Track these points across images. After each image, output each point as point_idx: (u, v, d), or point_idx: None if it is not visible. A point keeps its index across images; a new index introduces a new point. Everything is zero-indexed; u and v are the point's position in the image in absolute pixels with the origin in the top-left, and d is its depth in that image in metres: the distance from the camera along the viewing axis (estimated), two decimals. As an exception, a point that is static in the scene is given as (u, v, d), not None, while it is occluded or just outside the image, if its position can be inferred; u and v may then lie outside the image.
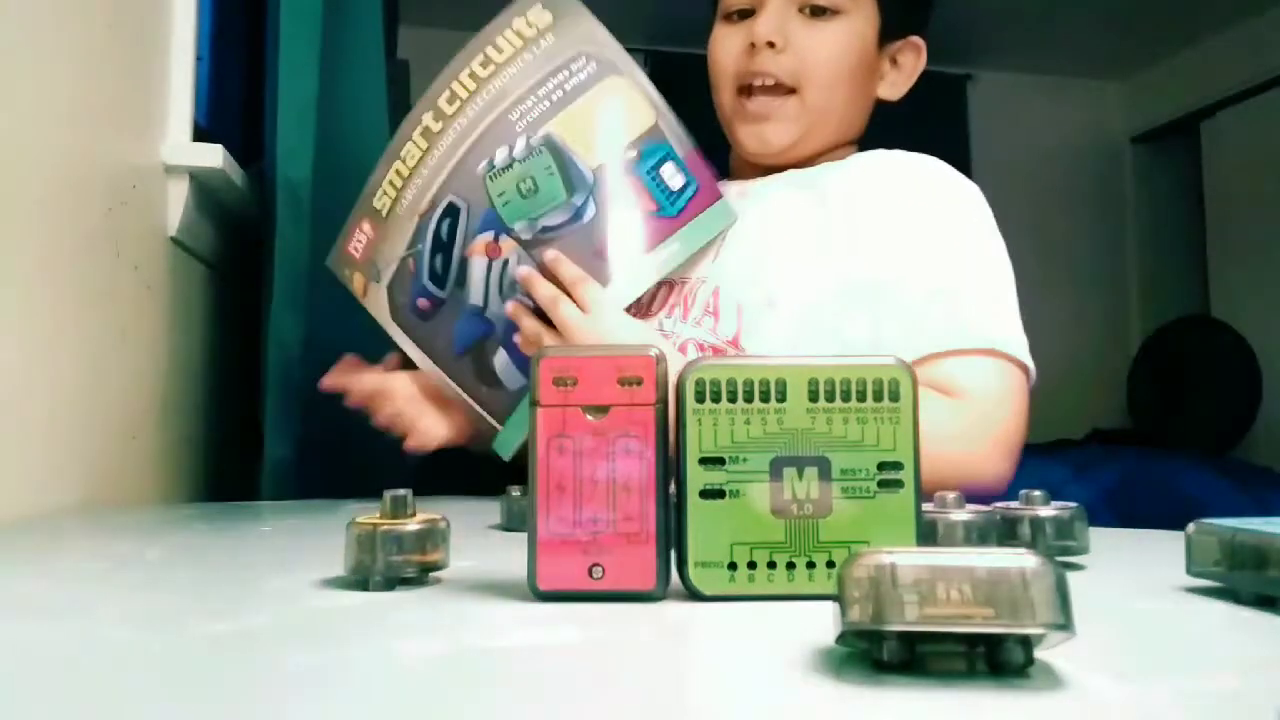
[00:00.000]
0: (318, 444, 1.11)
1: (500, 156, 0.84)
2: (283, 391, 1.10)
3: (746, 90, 0.92)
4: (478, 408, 0.86)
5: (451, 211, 0.86)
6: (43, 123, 0.76)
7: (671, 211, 0.82)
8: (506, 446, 0.85)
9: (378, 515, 0.40)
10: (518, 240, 0.83)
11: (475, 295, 0.85)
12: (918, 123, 0.92)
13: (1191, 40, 3.60)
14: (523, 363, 0.82)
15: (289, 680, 0.27)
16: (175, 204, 1.09)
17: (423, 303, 0.88)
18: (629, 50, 0.88)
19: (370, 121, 1.21)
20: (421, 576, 0.40)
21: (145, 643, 0.31)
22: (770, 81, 0.90)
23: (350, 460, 1.13)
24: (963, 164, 0.86)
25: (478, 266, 0.85)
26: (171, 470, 1.09)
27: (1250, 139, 3.44)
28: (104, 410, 0.89)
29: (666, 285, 0.89)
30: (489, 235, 0.84)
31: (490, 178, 0.84)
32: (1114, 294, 4.01)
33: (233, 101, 1.42)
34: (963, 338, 0.79)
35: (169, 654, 0.30)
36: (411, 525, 0.39)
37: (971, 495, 0.71)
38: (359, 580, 0.39)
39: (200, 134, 1.14)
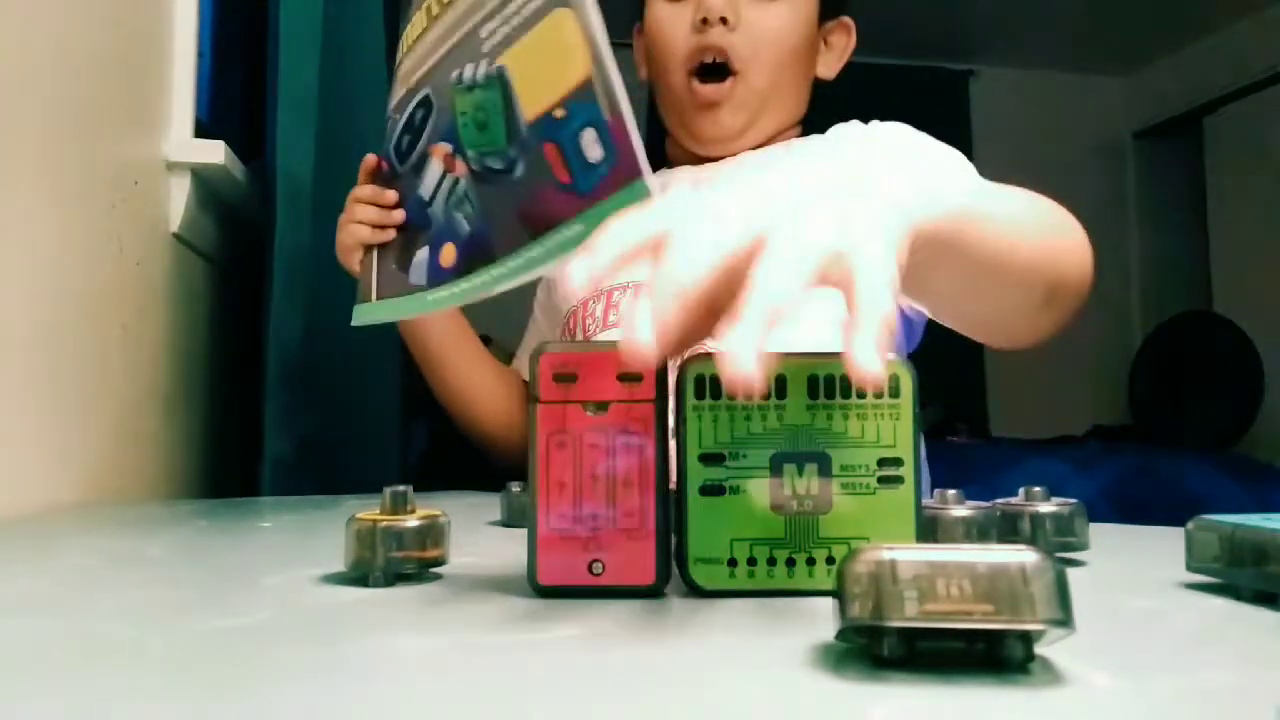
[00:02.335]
0: (319, 440, 1.11)
1: (466, 74, 0.78)
2: (284, 388, 1.10)
3: (694, 74, 0.91)
4: (373, 271, 0.85)
5: (426, 104, 0.81)
6: (45, 119, 0.76)
7: (584, 188, 0.68)
8: (363, 316, 0.83)
9: (378, 511, 0.40)
10: (468, 167, 0.76)
11: (425, 190, 0.81)
12: (919, 119, 0.91)
13: (1194, 36, 3.59)
14: (435, 270, 0.78)
15: (289, 676, 0.27)
16: (177, 200, 1.09)
17: (385, 164, 0.87)
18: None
19: (371, 117, 1.20)
20: (421, 572, 0.40)
21: (145, 639, 0.31)
22: (720, 59, 0.89)
23: (351, 456, 1.14)
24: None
25: (434, 168, 0.80)
26: (172, 466, 1.10)
27: (1253, 135, 3.43)
28: (105, 406, 0.89)
29: (640, 285, 0.88)
30: (449, 147, 0.78)
31: (457, 92, 0.77)
32: (1116, 290, 4.01)
33: (234, 97, 1.42)
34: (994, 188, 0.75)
35: (168, 650, 0.30)
36: (411, 521, 0.39)
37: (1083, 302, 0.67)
38: (359, 576, 0.39)
39: (202, 130, 1.14)
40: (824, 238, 0.33)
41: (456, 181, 0.78)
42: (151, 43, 1.06)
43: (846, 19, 0.98)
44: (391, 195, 0.84)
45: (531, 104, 0.71)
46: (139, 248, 0.98)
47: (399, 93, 0.84)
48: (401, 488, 0.40)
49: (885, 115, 0.93)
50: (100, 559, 0.49)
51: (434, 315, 0.95)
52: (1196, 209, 3.74)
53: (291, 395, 1.11)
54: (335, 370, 1.13)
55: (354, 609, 0.35)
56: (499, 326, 1.08)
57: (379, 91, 1.23)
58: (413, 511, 0.40)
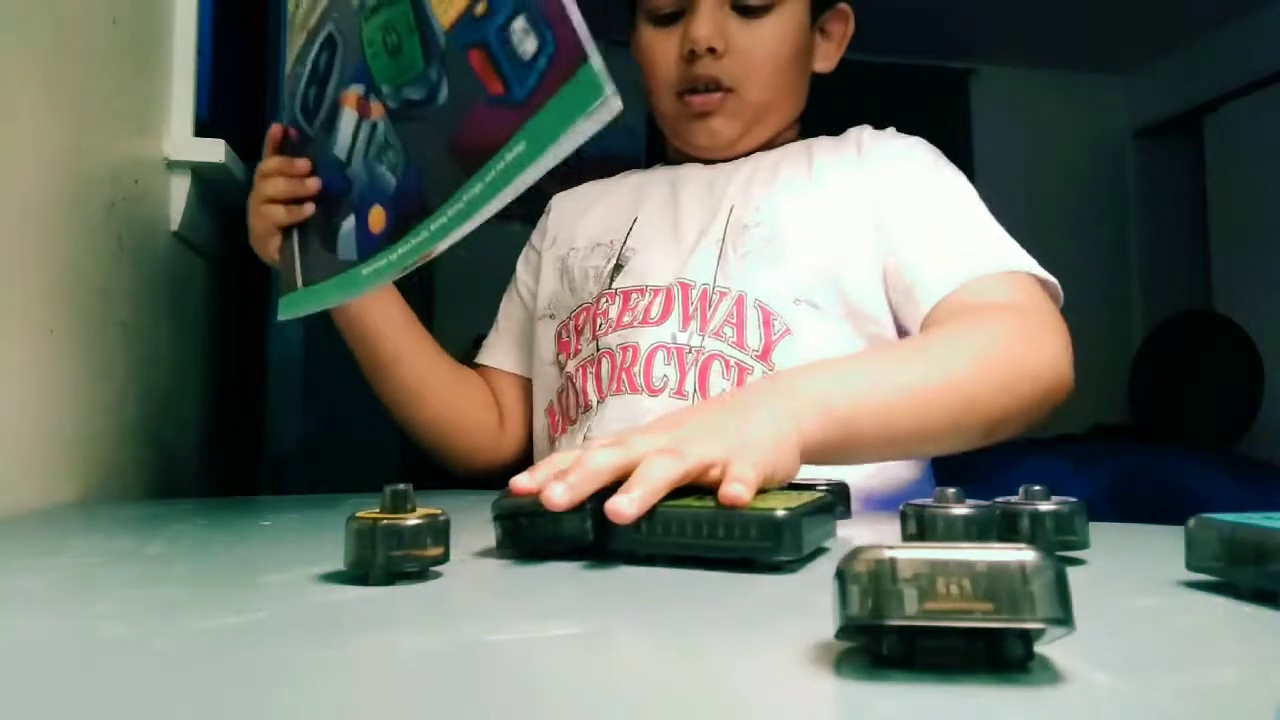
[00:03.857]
0: (319, 439, 1.11)
1: None
2: (284, 387, 1.10)
3: (686, 90, 0.90)
4: (295, 255, 0.74)
5: (330, 44, 0.70)
6: (46, 118, 0.76)
7: (520, 95, 0.52)
8: (291, 309, 0.72)
9: (378, 510, 0.40)
10: (385, 107, 0.64)
11: (340, 148, 0.69)
12: (920, 118, 0.91)
13: (1195, 35, 3.60)
14: (365, 239, 0.65)
15: (289, 675, 0.27)
16: (177, 198, 1.09)
17: (293, 131, 0.76)
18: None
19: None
20: (422, 571, 0.40)
21: (145, 638, 0.31)
22: (712, 86, 0.88)
23: (351, 455, 1.14)
24: (965, 159, 0.86)
25: (347, 119, 0.68)
26: (172, 465, 1.10)
27: (1253, 133, 3.43)
28: (105, 404, 0.89)
29: (666, 292, 0.86)
30: (360, 88, 0.66)
31: (363, 18, 0.65)
32: (1116, 288, 4.01)
33: (234, 97, 1.42)
34: (991, 264, 0.77)
35: (168, 649, 0.30)
36: (412, 520, 0.39)
37: (1060, 403, 0.73)
38: (359, 575, 0.39)
39: (202, 128, 1.14)
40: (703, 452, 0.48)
41: (375, 127, 0.65)
42: (152, 40, 1.06)
43: (843, 5, 0.96)
44: (303, 164, 0.73)
45: (446, 6, 0.58)
46: (139, 246, 0.98)
47: (297, 43, 0.74)
48: (402, 486, 0.40)
49: (885, 114, 0.93)
50: (100, 557, 0.49)
51: (380, 309, 0.88)
52: (1197, 208, 3.74)
53: (291, 394, 1.11)
54: (335, 369, 1.13)
55: (354, 608, 0.35)
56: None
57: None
58: (413, 510, 0.40)
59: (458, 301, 2.82)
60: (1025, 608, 0.24)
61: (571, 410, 0.90)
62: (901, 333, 0.83)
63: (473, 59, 0.55)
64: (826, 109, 0.99)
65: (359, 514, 0.40)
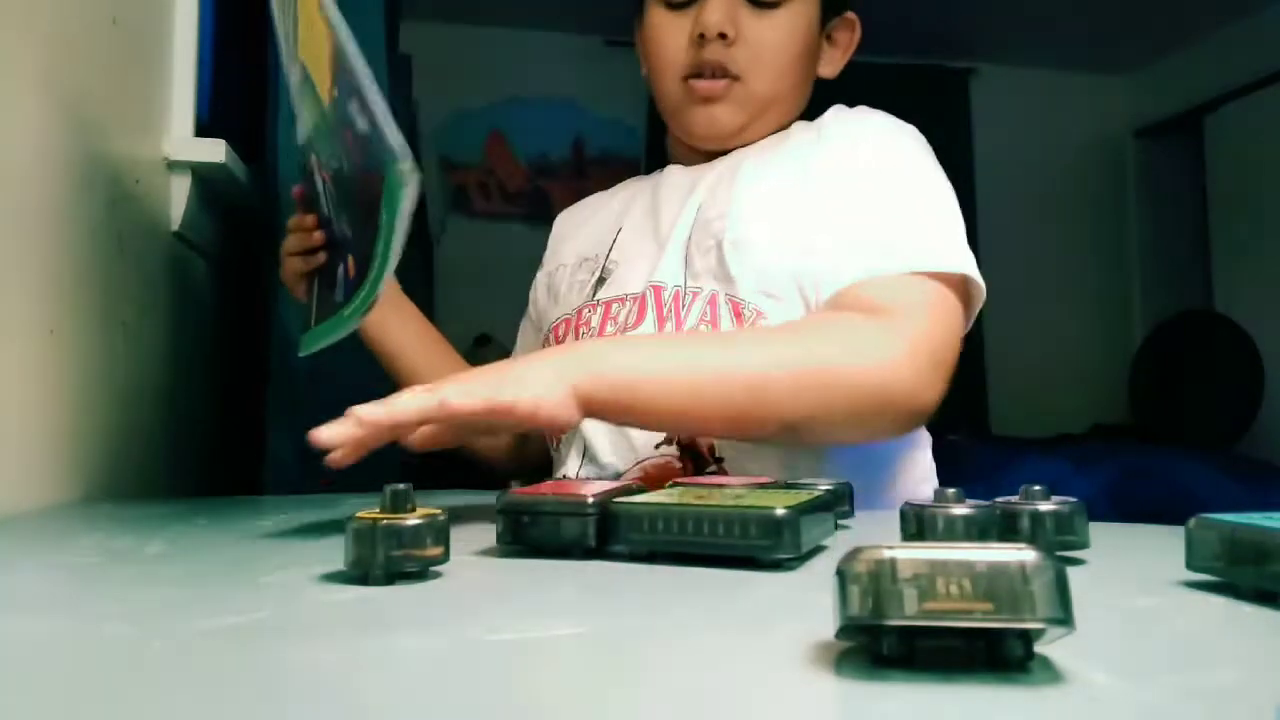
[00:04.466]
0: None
1: (295, 76, 0.72)
2: (285, 387, 1.10)
3: (692, 75, 0.90)
4: (314, 297, 0.85)
5: (294, 119, 0.80)
6: (46, 118, 0.76)
7: (372, 165, 0.59)
8: (307, 346, 0.80)
9: (378, 510, 0.40)
10: (329, 173, 0.72)
11: (324, 206, 0.79)
12: (920, 117, 0.91)
13: (1195, 35, 3.60)
14: (347, 283, 0.72)
15: (288, 675, 0.27)
16: (178, 198, 1.09)
17: (299, 189, 0.85)
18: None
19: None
20: (422, 571, 0.40)
21: (144, 637, 0.31)
22: (719, 73, 0.89)
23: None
24: (965, 159, 0.86)
25: (319, 181, 0.78)
26: (172, 464, 1.10)
27: (1254, 133, 3.43)
28: (105, 404, 0.89)
29: (641, 298, 0.85)
30: (315, 157, 0.75)
31: (300, 98, 0.73)
32: (1116, 289, 4.01)
33: (234, 97, 1.42)
34: (884, 263, 0.76)
35: (168, 649, 0.30)
36: (411, 520, 0.39)
37: (901, 415, 0.73)
38: (359, 575, 0.39)
39: (203, 129, 1.14)
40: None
41: (330, 190, 0.75)
42: (153, 40, 1.06)
43: (851, 14, 0.96)
44: (310, 219, 0.84)
45: (324, 91, 0.66)
46: (140, 246, 0.98)
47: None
48: (402, 486, 0.40)
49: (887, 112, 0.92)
50: (100, 557, 0.49)
51: (395, 331, 0.96)
52: (1197, 208, 3.73)
53: (292, 394, 1.11)
54: (336, 369, 1.13)
55: (354, 608, 0.35)
56: (499, 328, 1.07)
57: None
58: (413, 510, 0.40)
59: (458, 301, 2.83)
60: (1025, 608, 0.24)
61: None
62: None
63: (346, 136, 0.63)
64: (827, 108, 0.98)
65: (359, 514, 0.40)
